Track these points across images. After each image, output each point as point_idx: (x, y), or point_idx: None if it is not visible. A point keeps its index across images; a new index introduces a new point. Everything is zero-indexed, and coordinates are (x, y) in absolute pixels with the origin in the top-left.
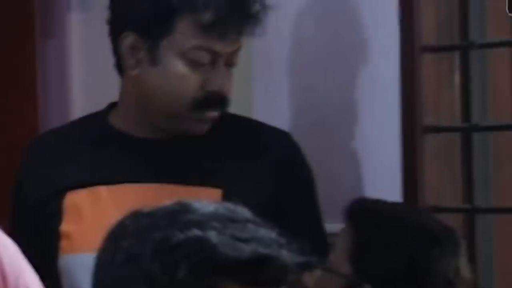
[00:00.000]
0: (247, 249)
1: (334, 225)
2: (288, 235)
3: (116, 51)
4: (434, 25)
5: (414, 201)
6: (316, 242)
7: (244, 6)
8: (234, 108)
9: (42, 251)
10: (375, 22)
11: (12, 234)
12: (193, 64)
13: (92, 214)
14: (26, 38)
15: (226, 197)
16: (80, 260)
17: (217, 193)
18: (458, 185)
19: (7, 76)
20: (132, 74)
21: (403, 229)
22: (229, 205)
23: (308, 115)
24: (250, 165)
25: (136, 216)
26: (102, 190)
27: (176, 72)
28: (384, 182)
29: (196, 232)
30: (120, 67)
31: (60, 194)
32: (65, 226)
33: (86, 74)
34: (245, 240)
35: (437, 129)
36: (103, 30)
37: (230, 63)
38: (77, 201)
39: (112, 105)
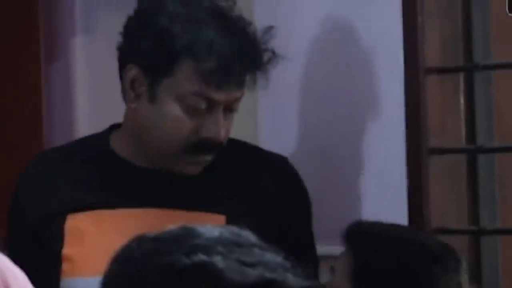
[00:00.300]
0: (253, 274)
1: (339, 248)
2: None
3: (121, 80)
4: (438, 47)
5: (420, 222)
6: (308, 265)
7: (251, 56)
8: (239, 133)
9: (43, 273)
10: (380, 45)
11: (11, 252)
12: (190, 108)
13: (94, 238)
14: (31, 61)
15: (229, 223)
16: (82, 284)
17: (221, 219)
18: (463, 207)
19: (13, 99)
20: (131, 106)
21: (402, 249)
22: (234, 229)
23: (313, 137)
24: (251, 191)
25: (141, 241)
26: (105, 214)
27: (171, 114)
28: (390, 204)
29: (201, 257)
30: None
31: (61, 216)
32: (67, 250)
33: (90, 97)
34: (251, 265)
35: (442, 151)
36: (107, 53)
37: (230, 109)
38: (79, 224)
39: (113, 127)
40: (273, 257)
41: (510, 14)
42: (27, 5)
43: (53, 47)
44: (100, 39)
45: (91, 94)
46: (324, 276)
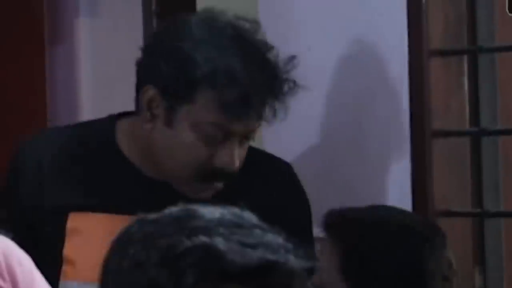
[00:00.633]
0: (254, 255)
1: None
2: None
3: (137, 96)
4: (443, 29)
5: (423, 205)
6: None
7: (272, 88)
8: None
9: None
10: (384, 27)
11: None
12: (206, 137)
13: (96, 242)
14: (35, 43)
15: None
16: None
17: None
18: (467, 189)
19: (16, 80)
20: (146, 127)
21: (389, 234)
22: (235, 210)
23: (316, 119)
24: (255, 197)
25: (141, 223)
26: (108, 219)
27: (186, 141)
28: (393, 187)
29: (203, 238)
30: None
31: (62, 213)
32: (68, 251)
33: (94, 79)
34: (252, 246)
35: (446, 134)
36: (111, 35)
37: (247, 137)
38: (81, 225)
39: (118, 116)
40: (274, 238)
41: (510, 14)
42: None
43: (57, 29)
44: (104, 21)
45: (95, 76)
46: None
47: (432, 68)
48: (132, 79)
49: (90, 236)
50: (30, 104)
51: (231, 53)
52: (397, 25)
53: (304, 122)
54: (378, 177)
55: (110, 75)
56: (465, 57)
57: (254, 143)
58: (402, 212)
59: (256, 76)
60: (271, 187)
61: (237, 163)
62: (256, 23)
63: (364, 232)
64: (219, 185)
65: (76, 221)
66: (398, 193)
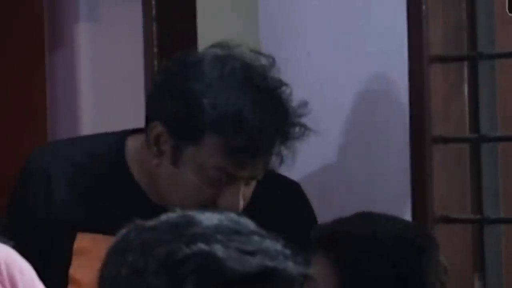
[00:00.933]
0: (254, 263)
1: None
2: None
3: (146, 132)
4: (443, 35)
5: (423, 211)
6: None
7: (280, 134)
8: None
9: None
10: (384, 33)
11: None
12: (210, 180)
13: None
14: (35, 47)
15: None
16: None
17: None
18: (467, 196)
19: (16, 84)
20: (153, 162)
21: (386, 249)
22: (233, 216)
23: (315, 125)
24: (264, 217)
25: (139, 230)
26: None
27: (191, 182)
28: (393, 193)
29: (201, 246)
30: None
31: (70, 232)
32: (74, 271)
33: (94, 83)
34: (251, 253)
35: (446, 140)
36: (111, 40)
37: (253, 178)
38: (88, 245)
39: (129, 133)
40: (273, 244)
41: (510, 14)
42: None
43: (57, 34)
44: (104, 25)
45: (95, 80)
46: None
47: (432, 74)
48: (131, 84)
49: (96, 257)
50: (30, 108)
51: (241, 98)
52: (397, 31)
53: None
54: (378, 183)
55: (110, 80)
56: (465, 64)
57: None
58: (392, 220)
59: (265, 123)
60: (280, 208)
61: (241, 205)
62: (271, 58)
63: (361, 250)
64: None
65: (83, 242)
66: (397, 199)
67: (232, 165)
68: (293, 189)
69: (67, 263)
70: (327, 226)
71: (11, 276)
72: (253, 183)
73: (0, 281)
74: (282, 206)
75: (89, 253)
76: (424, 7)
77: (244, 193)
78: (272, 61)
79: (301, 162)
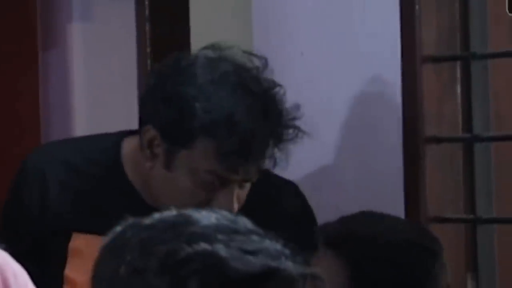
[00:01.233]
0: (256, 263)
1: None
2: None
3: (139, 135)
4: (435, 35)
5: (416, 211)
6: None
7: (273, 137)
8: None
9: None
10: (377, 33)
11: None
12: (203, 183)
13: None
14: (28, 47)
15: None
16: None
17: None
18: (460, 196)
19: (9, 85)
20: (146, 165)
21: (398, 251)
22: (229, 216)
23: (308, 125)
24: (261, 218)
25: (136, 228)
26: None
27: (183, 186)
28: (386, 193)
29: (203, 245)
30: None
31: (65, 233)
32: (69, 271)
33: (87, 83)
34: (252, 253)
35: (439, 140)
36: (104, 40)
37: (248, 181)
38: (83, 246)
39: (125, 134)
40: (272, 244)
41: (510, 14)
42: None
43: (50, 34)
44: (97, 25)
45: (88, 80)
46: None
47: (425, 74)
48: (125, 83)
49: (91, 258)
50: (23, 109)
51: (233, 101)
52: (390, 31)
53: None
54: (371, 183)
55: (103, 79)
56: (458, 64)
57: None
58: (398, 221)
59: (258, 126)
60: (278, 208)
61: (236, 207)
62: (263, 59)
63: (376, 253)
64: None
65: (78, 242)
66: (391, 199)
67: (224, 169)
68: (290, 189)
69: (63, 263)
70: (335, 226)
71: (4, 279)
72: (248, 185)
73: None
74: (280, 206)
75: (84, 254)
76: (417, 7)
77: (238, 195)
78: (265, 62)
79: (294, 163)
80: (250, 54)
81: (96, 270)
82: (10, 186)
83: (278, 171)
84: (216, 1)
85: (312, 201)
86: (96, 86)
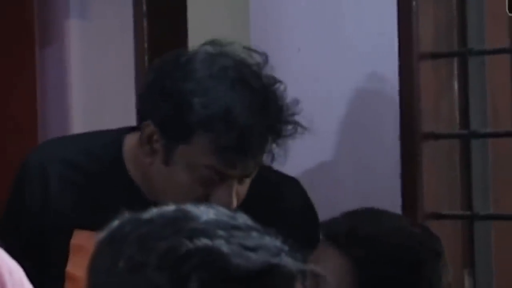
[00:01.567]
0: (257, 259)
1: None
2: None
3: (139, 127)
4: (433, 32)
5: (413, 207)
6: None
7: (271, 132)
8: None
9: (38, 275)
10: (374, 29)
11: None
12: (202, 178)
13: None
14: (25, 44)
15: None
16: None
17: None
18: (457, 192)
19: (6, 82)
20: (146, 161)
21: (405, 250)
22: (228, 212)
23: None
24: (263, 213)
25: (134, 222)
26: None
27: (182, 181)
28: (383, 189)
29: (204, 241)
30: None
31: (67, 230)
32: (71, 268)
33: (85, 80)
34: (253, 249)
35: (436, 136)
36: (101, 37)
37: (247, 176)
38: (85, 243)
39: (127, 130)
40: (272, 241)
41: (510, 14)
42: None
43: (47, 30)
44: (94, 22)
45: (85, 77)
46: None
47: (422, 70)
48: (122, 80)
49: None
50: (20, 105)
51: (231, 97)
52: (388, 27)
53: None
54: (368, 179)
55: (101, 76)
56: (455, 60)
57: None
58: (400, 219)
59: (256, 122)
60: (280, 204)
61: (235, 203)
62: (264, 55)
63: (383, 252)
64: None
65: (80, 239)
66: (388, 195)
67: (222, 164)
68: (292, 185)
69: (64, 260)
70: (338, 222)
71: (0, 276)
72: (248, 181)
73: None
74: (282, 202)
75: (85, 250)
76: (414, 3)
77: (238, 191)
78: (266, 58)
79: (292, 159)
80: (251, 50)
81: (93, 263)
82: (12, 183)
83: (276, 166)
84: None
85: (310, 197)
86: (94, 83)
